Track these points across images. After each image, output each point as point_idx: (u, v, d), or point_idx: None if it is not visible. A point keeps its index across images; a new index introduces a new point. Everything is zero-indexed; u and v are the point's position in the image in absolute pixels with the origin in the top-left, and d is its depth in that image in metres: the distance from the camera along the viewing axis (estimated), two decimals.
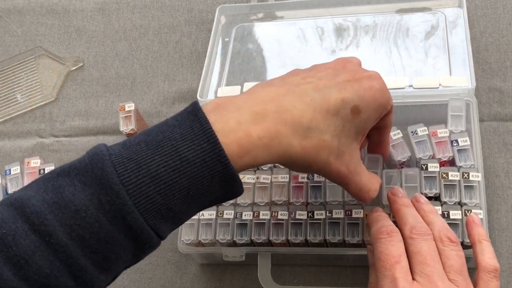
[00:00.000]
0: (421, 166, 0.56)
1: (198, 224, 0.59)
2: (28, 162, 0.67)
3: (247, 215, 0.59)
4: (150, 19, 0.84)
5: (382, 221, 0.49)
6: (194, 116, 0.41)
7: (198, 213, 0.59)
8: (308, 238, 0.57)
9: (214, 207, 0.60)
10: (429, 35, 0.70)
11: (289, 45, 0.74)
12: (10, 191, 0.65)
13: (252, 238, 0.58)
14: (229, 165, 0.40)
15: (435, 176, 0.56)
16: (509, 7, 0.73)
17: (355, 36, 0.73)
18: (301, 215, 0.57)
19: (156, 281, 0.65)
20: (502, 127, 0.66)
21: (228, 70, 0.73)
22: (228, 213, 0.59)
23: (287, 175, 0.59)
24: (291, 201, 0.58)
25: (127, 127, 0.68)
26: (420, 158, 0.57)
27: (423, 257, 0.45)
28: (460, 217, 0.54)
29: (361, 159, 0.49)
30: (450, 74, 0.65)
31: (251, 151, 0.41)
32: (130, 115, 0.69)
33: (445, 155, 0.57)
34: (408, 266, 0.45)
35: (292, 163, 0.44)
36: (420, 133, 0.59)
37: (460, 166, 0.57)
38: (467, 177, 0.55)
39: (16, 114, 0.80)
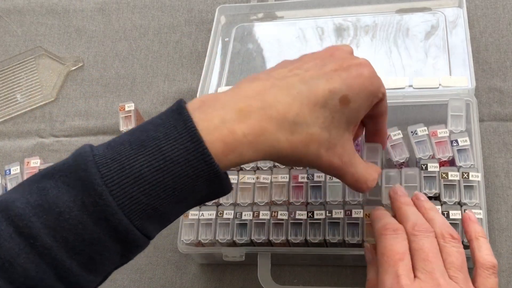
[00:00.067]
0: (421, 166, 0.56)
1: (198, 224, 0.59)
2: (28, 162, 0.67)
3: (247, 215, 0.59)
4: (150, 19, 0.84)
5: (387, 218, 0.49)
6: (178, 114, 0.40)
7: (198, 213, 0.59)
8: (308, 238, 0.57)
9: (214, 207, 0.60)
10: (429, 35, 0.70)
11: (289, 45, 0.74)
12: None
13: (252, 238, 0.58)
14: (213, 163, 0.39)
15: (435, 176, 0.56)
16: (509, 7, 0.73)
17: (355, 36, 0.73)
18: (301, 215, 0.57)
19: (156, 281, 0.65)
20: (502, 127, 0.66)
21: (228, 70, 0.73)
22: (228, 213, 0.59)
23: (287, 175, 0.59)
24: (291, 201, 0.58)
25: (127, 127, 0.68)
26: (420, 158, 0.57)
27: (425, 254, 0.45)
28: (460, 217, 0.54)
29: (356, 151, 0.48)
30: (450, 74, 0.65)
31: (236, 148, 0.40)
32: (130, 115, 0.69)
33: (445, 155, 0.57)
34: (410, 264, 0.45)
35: (281, 159, 0.43)
36: (420, 133, 0.58)
37: (460, 166, 0.57)
38: (467, 177, 0.55)
39: (16, 114, 0.80)
